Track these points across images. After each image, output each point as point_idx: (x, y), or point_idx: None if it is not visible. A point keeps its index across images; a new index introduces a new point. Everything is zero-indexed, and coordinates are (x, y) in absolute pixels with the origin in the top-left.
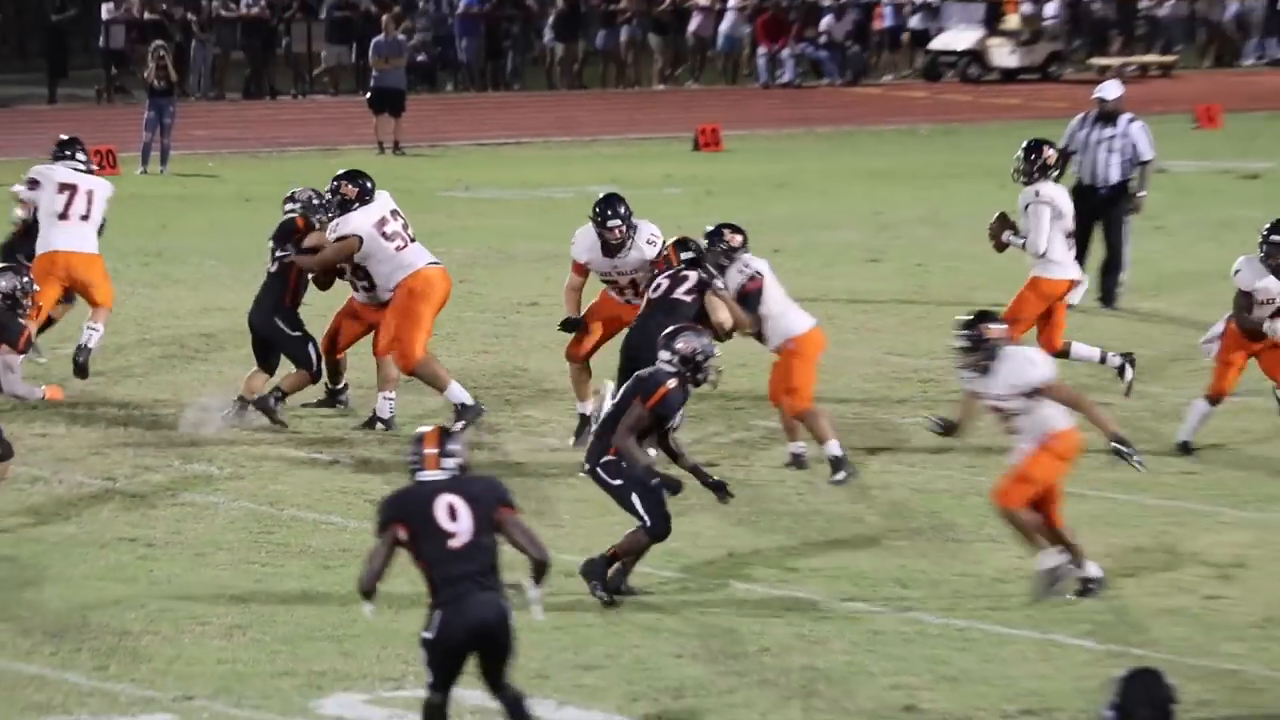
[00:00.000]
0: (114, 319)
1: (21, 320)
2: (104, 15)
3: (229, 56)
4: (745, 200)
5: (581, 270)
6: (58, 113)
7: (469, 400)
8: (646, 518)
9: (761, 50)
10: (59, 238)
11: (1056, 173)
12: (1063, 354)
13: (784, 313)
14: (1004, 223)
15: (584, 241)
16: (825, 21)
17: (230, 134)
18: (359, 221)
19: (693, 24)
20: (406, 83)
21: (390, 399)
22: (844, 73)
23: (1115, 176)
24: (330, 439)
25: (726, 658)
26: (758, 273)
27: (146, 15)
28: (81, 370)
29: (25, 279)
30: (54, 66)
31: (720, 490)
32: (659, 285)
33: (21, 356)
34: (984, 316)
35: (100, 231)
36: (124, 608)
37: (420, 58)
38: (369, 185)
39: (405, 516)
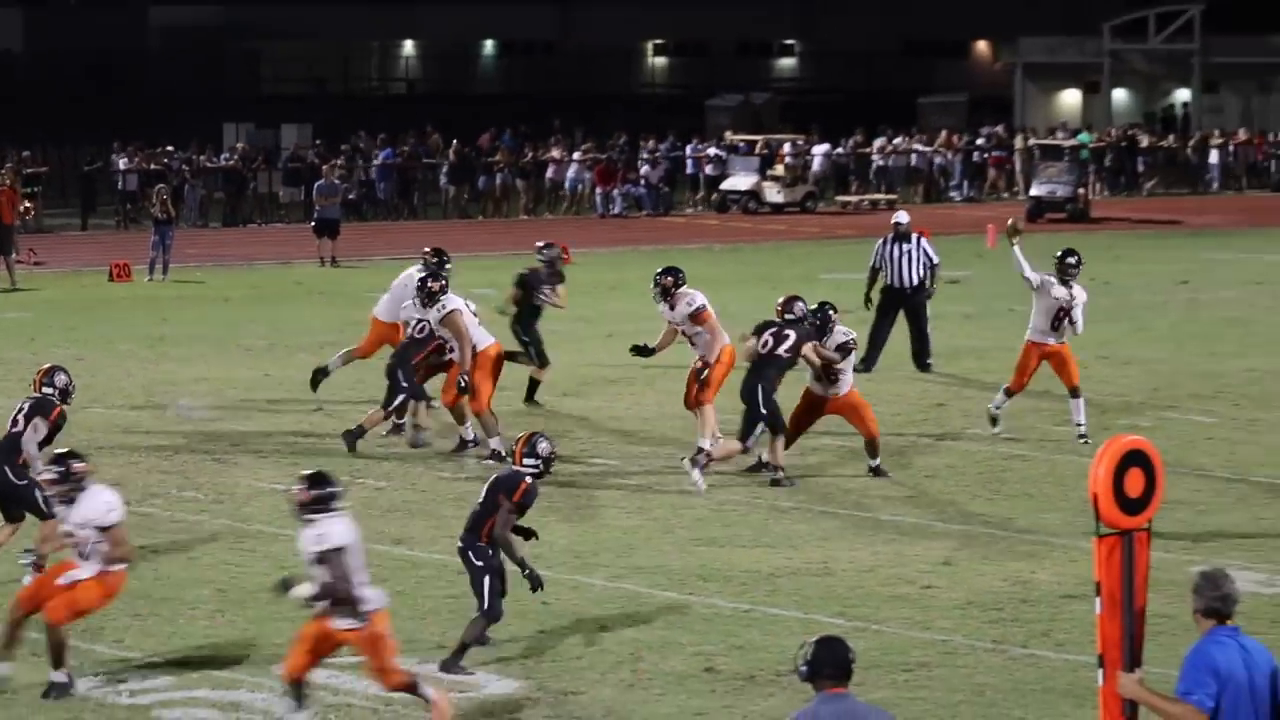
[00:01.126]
0: (126, 386)
1: (60, 403)
2: (121, 165)
3: (212, 195)
4: (588, 299)
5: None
6: (88, 237)
7: (502, 450)
8: (486, 602)
9: (598, 190)
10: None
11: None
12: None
13: (850, 375)
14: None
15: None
16: (644, 169)
17: (214, 252)
18: (459, 300)
19: (549, 172)
20: (341, 214)
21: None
22: (658, 207)
23: (915, 279)
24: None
25: (575, 634)
26: (853, 339)
27: (152, 165)
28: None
29: (68, 375)
30: (85, 203)
31: (535, 583)
32: (766, 342)
33: (49, 424)
34: None
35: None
36: (134, 597)
37: (350, 195)
38: (447, 283)
39: None
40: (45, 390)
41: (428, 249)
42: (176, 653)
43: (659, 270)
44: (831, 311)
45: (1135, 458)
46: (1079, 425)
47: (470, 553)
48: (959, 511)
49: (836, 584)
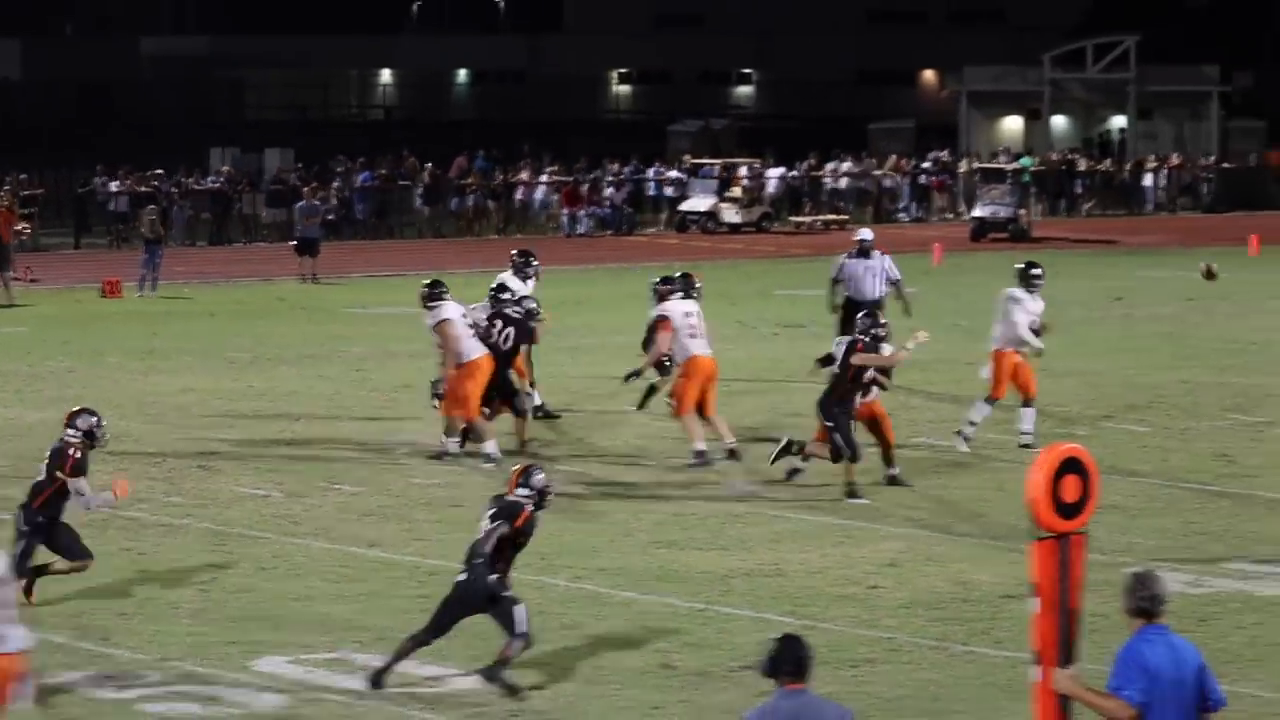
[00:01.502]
0: (116, 397)
1: (74, 441)
2: (113, 188)
3: (199, 216)
4: (555, 313)
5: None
6: (81, 255)
7: (497, 454)
8: (522, 628)
9: (564, 211)
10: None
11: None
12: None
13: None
14: None
15: None
16: (608, 192)
17: (200, 270)
18: (451, 310)
19: (518, 194)
20: (321, 234)
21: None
22: (621, 227)
23: (876, 293)
24: (264, 480)
25: (538, 631)
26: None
27: (142, 188)
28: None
29: (97, 418)
30: (79, 223)
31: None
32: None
33: (83, 480)
34: None
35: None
36: (121, 596)
37: (330, 216)
38: (441, 290)
39: None
40: (68, 433)
41: (515, 251)
42: (160, 650)
43: (658, 279)
44: (881, 315)
45: (1071, 465)
46: (1025, 434)
47: (494, 587)
48: (904, 515)
49: (787, 584)
